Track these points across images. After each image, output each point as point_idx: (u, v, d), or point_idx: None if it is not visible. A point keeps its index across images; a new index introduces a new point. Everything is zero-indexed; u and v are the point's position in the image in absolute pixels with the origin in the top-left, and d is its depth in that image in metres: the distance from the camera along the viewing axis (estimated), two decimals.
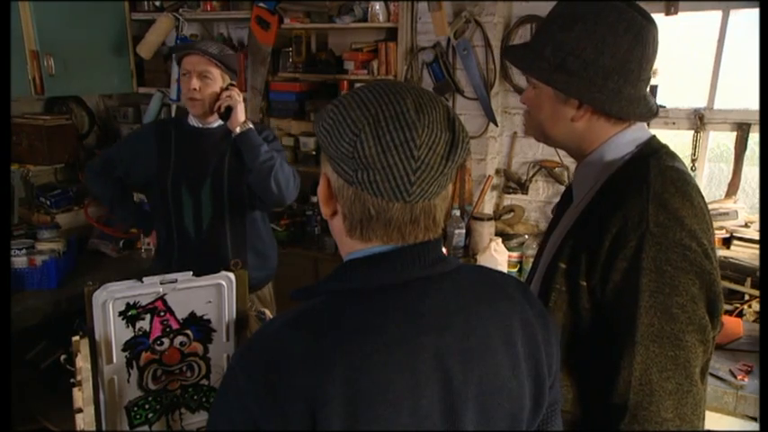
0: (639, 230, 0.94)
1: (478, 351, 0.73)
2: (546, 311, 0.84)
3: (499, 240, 2.67)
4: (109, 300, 1.21)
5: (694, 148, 2.55)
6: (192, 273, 1.31)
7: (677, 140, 2.61)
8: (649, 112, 1.05)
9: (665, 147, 1.08)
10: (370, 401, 0.66)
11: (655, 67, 1.05)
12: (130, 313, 1.25)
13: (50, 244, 2.52)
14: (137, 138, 2.22)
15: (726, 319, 2.09)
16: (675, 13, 2.48)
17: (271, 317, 1.67)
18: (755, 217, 2.45)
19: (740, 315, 2.23)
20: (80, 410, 1.21)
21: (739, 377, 1.85)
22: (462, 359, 0.72)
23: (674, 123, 2.61)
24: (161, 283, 1.27)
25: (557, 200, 2.70)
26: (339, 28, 2.99)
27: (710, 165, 2.69)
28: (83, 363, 1.19)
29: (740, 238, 2.40)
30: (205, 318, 1.34)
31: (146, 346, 1.29)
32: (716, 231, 1.56)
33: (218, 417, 0.71)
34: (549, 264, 1.10)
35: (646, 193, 0.97)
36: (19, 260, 2.40)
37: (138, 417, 1.33)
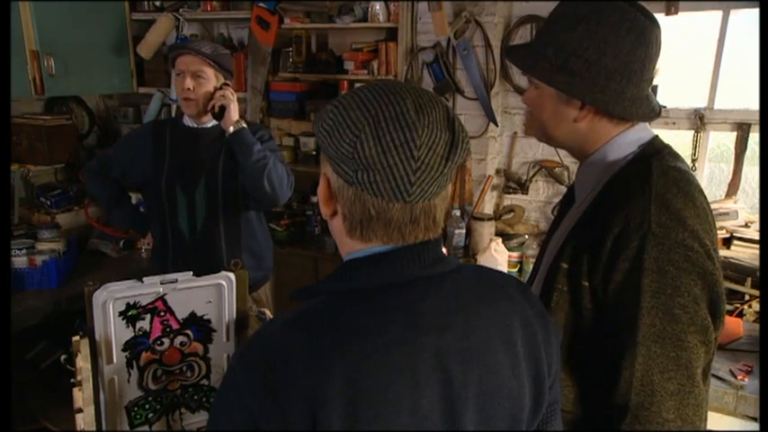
0: (641, 231, 0.94)
1: (478, 351, 0.73)
2: (546, 311, 0.84)
3: (499, 240, 2.67)
4: (109, 300, 1.21)
5: (694, 148, 2.55)
6: (192, 273, 1.31)
7: (677, 140, 2.61)
8: (652, 112, 1.04)
9: (667, 147, 1.07)
10: (370, 401, 0.66)
11: (656, 66, 1.05)
12: (131, 313, 1.25)
13: (50, 244, 2.52)
14: (133, 138, 2.22)
15: (726, 319, 2.09)
16: (675, 12, 2.48)
17: (271, 317, 1.67)
18: (755, 217, 2.45)
19: (740, 315, 2.23)
20: (80, 410, 1.20)
21: (739, 377, 1.85)
22: (462, 359, 0.71)
23: (674, 123, 2.61)
24: (161, 283, 1.26)
25: (557, 200, 2.71)
26: (339, 28, 2.99)
27: (711, 165, 2.69)
28: (83, 363, 1.19)
29: (740, 238, 2.39)
30: (205, 318, 1.34)
31: (146, 346, 1.29)
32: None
33: (218, 417, 0.71)
34: (550, 264, 1.10)
35: (648, 194, 0.96)
36: (19, 260, 2.39)
37: (138, 417, 1.33)
